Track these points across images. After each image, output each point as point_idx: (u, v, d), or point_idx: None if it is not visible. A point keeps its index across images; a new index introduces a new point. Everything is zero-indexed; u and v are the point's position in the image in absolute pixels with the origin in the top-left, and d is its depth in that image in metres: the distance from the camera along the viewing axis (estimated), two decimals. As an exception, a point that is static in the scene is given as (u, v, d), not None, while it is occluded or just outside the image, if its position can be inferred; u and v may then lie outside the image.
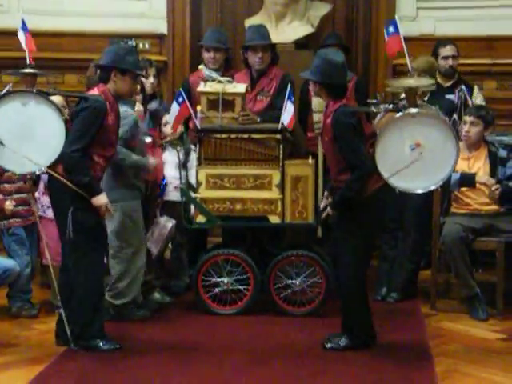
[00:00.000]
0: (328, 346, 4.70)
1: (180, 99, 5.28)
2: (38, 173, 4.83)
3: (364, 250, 4.71)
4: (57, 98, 5.23)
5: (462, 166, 5.51)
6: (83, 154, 4.51)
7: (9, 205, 5.28)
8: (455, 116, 5.78)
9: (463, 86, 5.98)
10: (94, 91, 4.68)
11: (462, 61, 6.17)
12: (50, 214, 5.05)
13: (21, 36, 5.17)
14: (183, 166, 5.72)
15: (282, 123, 5.21)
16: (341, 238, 4.69)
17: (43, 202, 5.37)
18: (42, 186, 5.37)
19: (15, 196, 5.35)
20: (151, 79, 5.77)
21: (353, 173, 4.55)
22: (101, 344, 4.64)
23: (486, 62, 6.67)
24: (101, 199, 4.59)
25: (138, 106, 5.29)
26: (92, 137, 4.52)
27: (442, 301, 5.67)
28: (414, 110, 4.57)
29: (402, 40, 5.13)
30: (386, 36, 5.42)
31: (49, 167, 4.58)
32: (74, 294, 4.63)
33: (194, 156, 5.65)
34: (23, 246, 5.42)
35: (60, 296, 4.69)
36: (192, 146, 5.73)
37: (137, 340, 4.87)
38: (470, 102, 5.92)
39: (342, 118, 4.55)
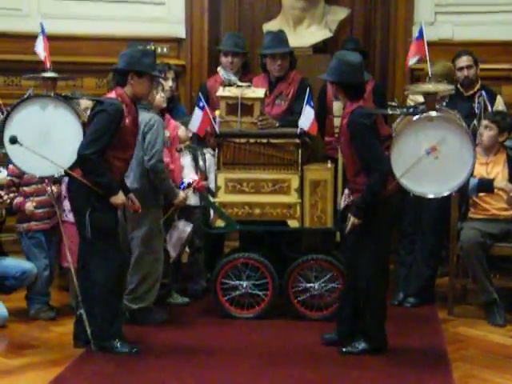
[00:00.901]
0: (345, 349, 4.70)
1: (201, 104, 5.28)
2: (56, 176, 4.87)
3: (381, 252, 4.69)
4: (85, 101, 5.29)
5: (480, 171, 5.50)
6: (99, 156, 4.54)
7: (29, 206, 5.33)
8: (475, 122, 5.75)
9: (483, 92, 5.94)
10: (112, 94, 4.70)
11: (480, 66, 6.12)
12: (71, 217, 5.08)
13: (39, 40, 5.19)
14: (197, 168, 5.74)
15: (301, 128, 5.21)
16: (357, 241, 4.68)
17: (65, 205, 5.40)
18: (63, 189, 5.40)
19: (35, 198, 5.39)
20: (170, 82, 5.79)
21: (371, 174, 4.54)
22: (118, 345, 4.65)
23: (504, 66, 6.64)
24: (119, 198, 4.62)
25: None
26: (108, 139, 4.54)
27: (459, 306, 5.65)
28: (431, 114, 4.56)
29: (426, 46, 5.08)
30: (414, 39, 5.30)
31: (67, 170, 4.63)
32: (91, 294, 4.65)
33: (212, 161, 5.67)
34: (42, 249, 5.44)
35: (81, 296, 4.71)
36: (211, 151, 5.75)
37: (154, 343, 4.88)
38: (489, 109, 5.89)
39: (358, 119, 4.54)
